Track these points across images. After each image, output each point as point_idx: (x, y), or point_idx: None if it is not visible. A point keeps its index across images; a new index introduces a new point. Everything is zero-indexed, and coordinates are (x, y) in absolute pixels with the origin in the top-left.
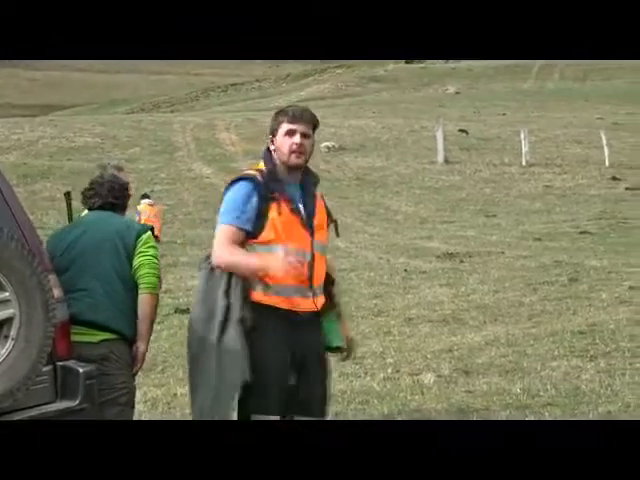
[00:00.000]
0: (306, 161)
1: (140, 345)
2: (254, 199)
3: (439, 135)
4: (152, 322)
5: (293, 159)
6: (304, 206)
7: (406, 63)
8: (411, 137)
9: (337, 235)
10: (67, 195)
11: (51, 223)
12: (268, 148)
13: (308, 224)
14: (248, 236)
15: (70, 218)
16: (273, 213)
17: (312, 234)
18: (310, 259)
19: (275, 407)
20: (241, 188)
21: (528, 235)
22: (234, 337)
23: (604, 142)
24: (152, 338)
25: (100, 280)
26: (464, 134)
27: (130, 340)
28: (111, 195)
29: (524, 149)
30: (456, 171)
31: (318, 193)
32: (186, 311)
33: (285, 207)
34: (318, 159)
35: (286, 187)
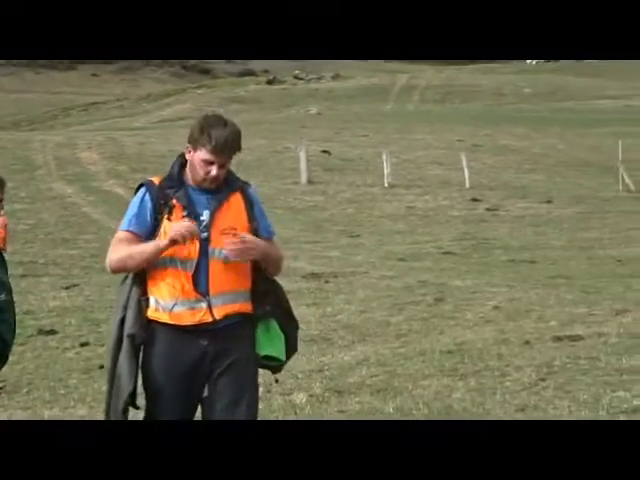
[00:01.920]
0: (220, 183)
1: None
2: (149, 205)
3: (302, 156)
4: None
5: (207, 184)
6: (211, 212)
7: (267, 84)
8: (274, 158)
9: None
10: None
11: None
12: (182, 154)
13: (199, 230)
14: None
15: None
16: (165, 220)
17: (207, 241)
18: (201, 268)
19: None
20: (138, 194)
21: (392, 255)
22: (124, 352)
23: (464, 164)
24: (15, 359)
25: None
26: (327, 155)
27: None
28: None
29: (386, 170)
30: (319, 191)
31: (240, 197)
32: (50, 332)
33: (178, 213)
34: None
35: (188, 192)
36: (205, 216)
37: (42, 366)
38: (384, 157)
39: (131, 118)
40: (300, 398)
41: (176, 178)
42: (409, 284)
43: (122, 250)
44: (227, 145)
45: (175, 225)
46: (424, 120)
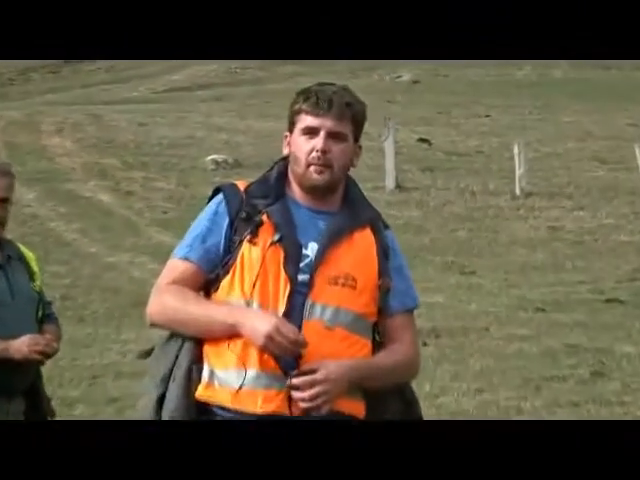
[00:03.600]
0: (335, 179)
1: None
2: (224, 220)
3: (388, 146)
4: None
5: (312, 175)
6: (320, 244)
7: None
8: None
9: (382, 313)
10: None
11: None
12: (284, 157)
13: (296, 268)
14: (210, 281)
15: None
16: (245, 244)
17: (307, 287)
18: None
19: None
20: (211, 204)
21: (526, 303)
22: None
23: None
24: None
25: None
26: (426, 146)
27: None
28: None
29: (518, 170)
30: (414, 202)
31: (370, 235)
32: None
33: (265, 235)
34: (199, 180)
35: (288, 207)
36: (310, 250)
37: None
38: (516, 150)
39: (125, 85)
40: None
41: (273, 184)
42: (551, 349)
43: (170, 302)
44: (335, 97)
45: (265, 324)
46: (578, 93)
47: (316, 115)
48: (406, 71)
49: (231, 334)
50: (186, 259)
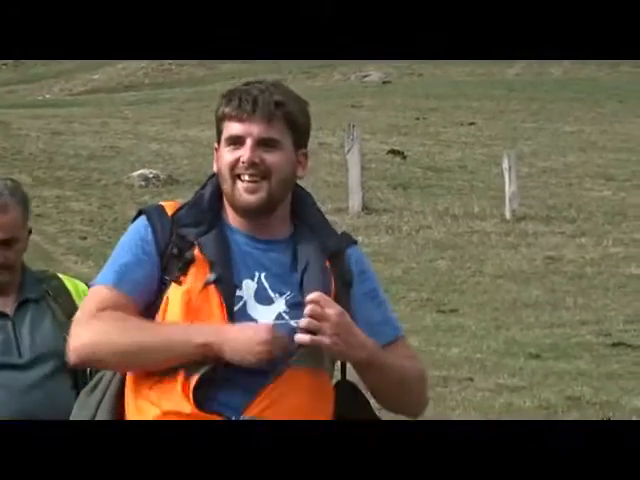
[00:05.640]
0: (272, 198)
1: None
2: (152, 249)
3: (353, 160)
4: None
5: (241, 195)
6: (270, 282)
7: None
8: None
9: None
10: None
11: None
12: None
13: (230, 314)
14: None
15: None
16: (174, 285)
17: None
18: (223, 376)
19: None
20: (137, 228)
21: (517, 346)
22: None
23: None
24: None
25: None
26: (399, 159)
27: None
28: None
29: (509, 189)
30: (384, 227)
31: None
32: None
33: (198, 273)
34: (125, 199)
35: (224, 236)
36: (245, 290)
37: None
38: (505, 164)
39: (36, 85)
40: None
41: (206, 207)
42: (549, 402)
43: (107, 330)
44: (263, 96)
45: (261, 332)
46: (580, 97)
47: (240, 120)
48: (374, 69)
49: (185, 362)
50: (116, 288)
